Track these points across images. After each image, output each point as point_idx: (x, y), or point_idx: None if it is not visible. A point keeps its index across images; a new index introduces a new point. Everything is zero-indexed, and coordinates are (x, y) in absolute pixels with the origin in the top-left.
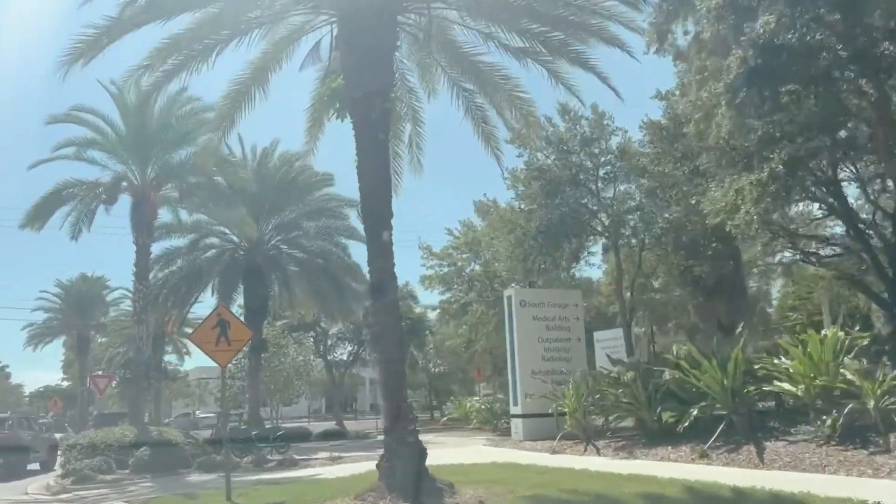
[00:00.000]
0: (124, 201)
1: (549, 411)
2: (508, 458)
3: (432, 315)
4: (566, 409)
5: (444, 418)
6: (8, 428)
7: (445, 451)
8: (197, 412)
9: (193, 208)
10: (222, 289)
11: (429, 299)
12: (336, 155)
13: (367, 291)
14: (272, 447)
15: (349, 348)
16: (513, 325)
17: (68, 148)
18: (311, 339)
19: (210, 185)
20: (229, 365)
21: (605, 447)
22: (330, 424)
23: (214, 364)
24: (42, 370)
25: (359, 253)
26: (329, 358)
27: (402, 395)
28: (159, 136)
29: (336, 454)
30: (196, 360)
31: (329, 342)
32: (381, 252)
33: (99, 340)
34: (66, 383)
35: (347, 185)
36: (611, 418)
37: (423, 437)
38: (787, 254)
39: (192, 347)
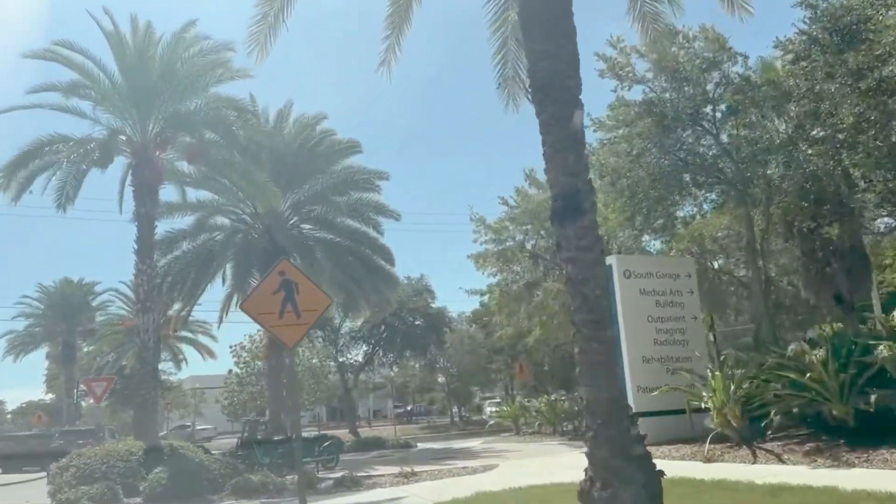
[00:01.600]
0: (118, 167)
1: (669, 408)
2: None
3: (485, 299)
4: (710, 404)
5: (492, 421)
6: None
7: (548, 463)
8: (196, 424)
9: (200, 180)
10: (237, 275)
11: (478, 281)
12: (359, 121)
13: (552, 213)
14: (318, 461)
15: (364, 348)
16: (615, 301)
17: (50, 93)
18: (320, 340)
19: (228, 143)
20: (236, 368)
21: (780, 451)
22: (342, 432)
23: (212, 373)
24: (23, 386)
25: (392, 233)
26: (341, 360)
27: (615, 382)
28: (163, 83)
29: (405, 468)
30: (191, 369)
31: (340, 342)
32: (571, 145)
33: (85, 349)
34: (49, 397)
35: (374, 155)
36: (774, 414)
37: (489, 445)
38: None
39: (190, 353)
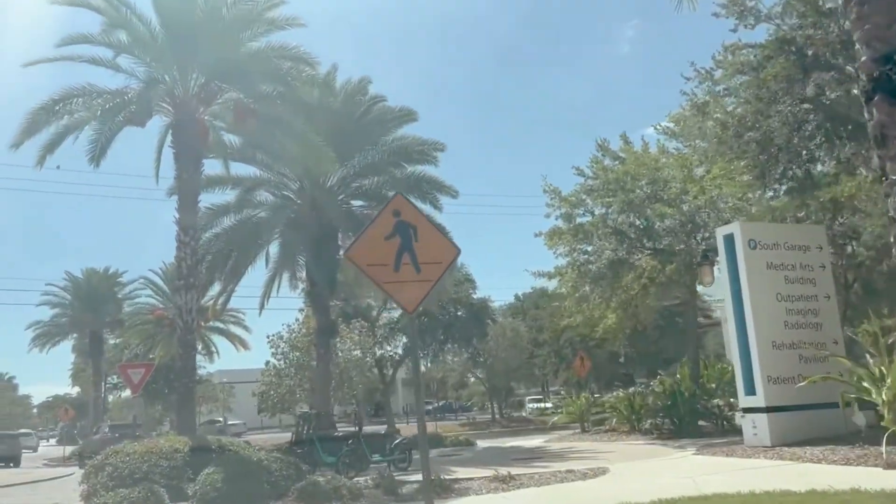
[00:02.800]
0: (153, 132)
1: (809, 402)
2: (846, 480)
3: (551, 283)
4: (881, 398)
5: (555, 418)
6: None
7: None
8: (227, 419)
9: (244, 148)
10: (284, 255)
11: (545, 262)
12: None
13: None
14: (389, 462)
15: (403, 341)
16: (738, 277)
17: (80, 46)
18: (356, 332)
19: (282, 97)
20: (274, 360)
21: None
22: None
23: (240, 367)
24: (49, 382)
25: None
26: (380, 352)
27: None
28: (207, 28)
29: (500, 471)
30: (223, 362)
31: (378, 334)
32: None
33: (112, 342)
34: (76, 391)
35: (431, 125)
36: None
37: (566, 445)
38: None
39: (223, 345)
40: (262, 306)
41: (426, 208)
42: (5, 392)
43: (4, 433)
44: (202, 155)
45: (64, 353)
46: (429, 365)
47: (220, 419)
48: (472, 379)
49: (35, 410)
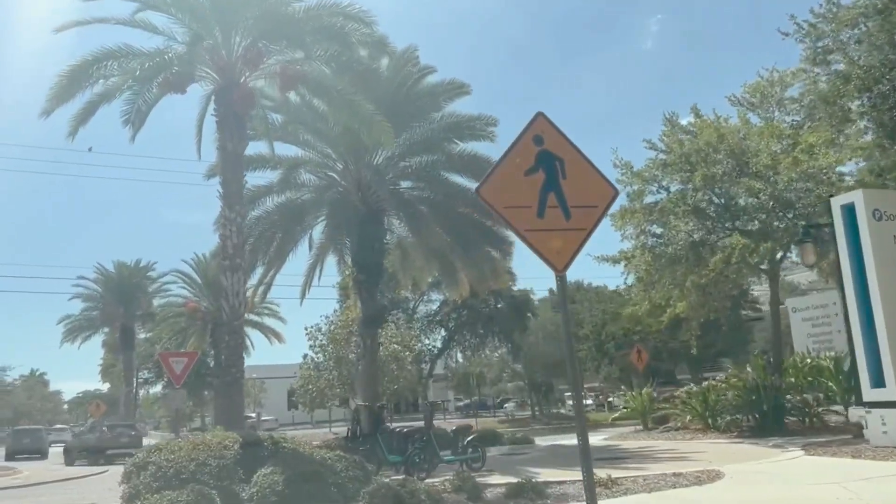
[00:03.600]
0: (192, 103)
1: None
2: None
3: (616, 268)
4: None
5: (616, 414)
6: None
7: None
8: (260, 415)
9: (287, 123)
10: (331, 238)
11: (610, 246)
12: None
13: None
14: (463, 461)
15: (442, 334)
16: (860, 252)
17: (112, 4)
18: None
19: (335, 60)
20: (311, 353)
21: None
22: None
23: (270, 362)
24: (79, 378)
25: None
26: (417, 346)
27: None
28: None
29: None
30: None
31: (416, 327)
32: None
33: (142, 336)
34: (105, 387)
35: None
36: None
37: (640, 442)
38: None
39: (256, 338)
40: (303, 295)
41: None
42: (36, 388)
43: (31, 428)
44: (247, 123)
45: (94, 348)
46: (465, 359)
47: (252, 415)
48: (505, 375)
49: (66, 406)
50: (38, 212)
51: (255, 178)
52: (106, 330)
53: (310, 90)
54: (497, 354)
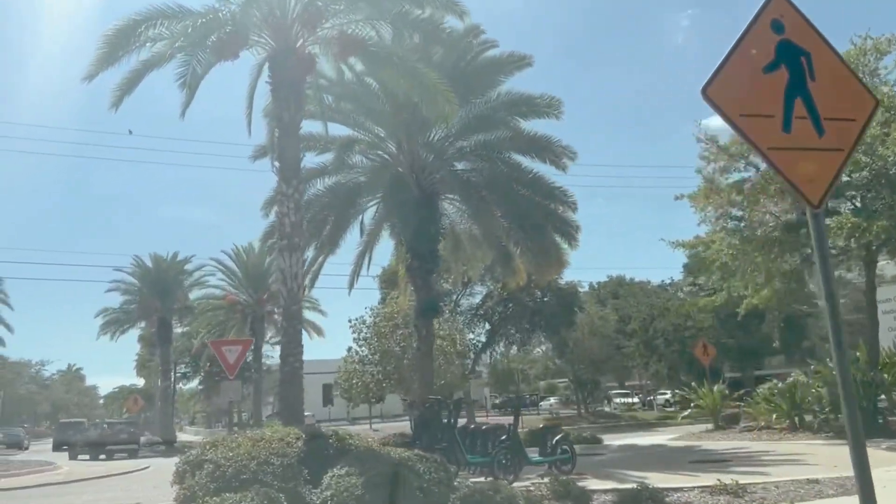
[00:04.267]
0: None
1: None
2: None
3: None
4: None
5: (687, 411)
6: None
7: None
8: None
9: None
10: (385, 220)
11: (684, 229)
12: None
13: None
14: (552, 462)
15: (486, 328)
16: None
17: None
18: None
19: (400, 22)
20: (355, 346)
21: None
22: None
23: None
24: (114, 373)
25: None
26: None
27: None
28: None
29: (721, 479)
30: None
31: (460, 320)
32: None
33: (178, 330)
34: (141, 382)
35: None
36: None
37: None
38: None
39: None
40: (351, 284)
41: (541, 166)
42: (74, 382)
43: (75, 421)
44: (303, 91)
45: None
46: (505, 354)
47: None
48: (550, 370)
49: (101, 401)
50: (76, 201)
51: (305, 160)
52: (142, 325)
53: (368, 58)
54: (540, 350)
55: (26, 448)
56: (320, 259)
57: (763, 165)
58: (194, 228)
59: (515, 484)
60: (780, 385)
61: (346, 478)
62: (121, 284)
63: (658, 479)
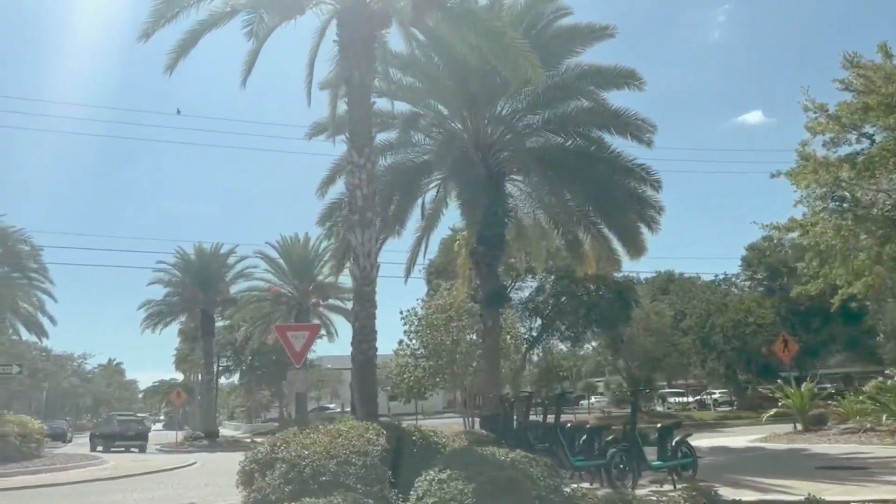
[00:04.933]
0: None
1: None
2: None
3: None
4: None
5: (772, 411)
6: None
7: None
8: (343, 406)
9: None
10: (463, 198)
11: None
12: None
13: None
14: (673, 467)
15: (536, 322)
16: None
17: None
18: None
19: None
20: (407, 339)
21: None
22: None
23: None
24: (152, 368)
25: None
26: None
27: None
28: None
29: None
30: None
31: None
32: None
33: (219, 324)
34: (180, 377)
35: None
36: None
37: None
38: None
39: (341, 324)
40: (408, 272)
41: (629, 144)
42: (114, 376)
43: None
44: (374, 50)
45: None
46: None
47: (332, 405)
48: (607, 368)
49: (140, 395)
50: (116, 190)
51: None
52: (182, 319)
53: (445, 15)
54: (592, 346)
55: (69, 441)
56: (380, 238)
57: (881, 136)
58: (237, 218)
59: (644, 493)
60: (888, 383)
61: (450, 483)
62: (163, 276)
63: (803, 488)
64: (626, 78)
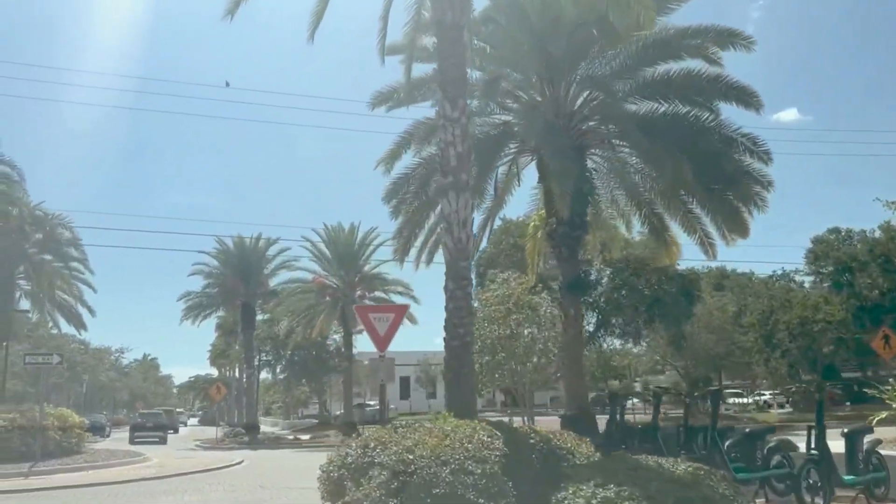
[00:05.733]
0: None
1: None
2: None
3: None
4: None
5: (884, 414)
6: None
7: None
8: (388, 404)
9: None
10: (544, 171)
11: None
12: None
13: None
14: (866, 484)
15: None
16: None
17: None
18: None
19: None
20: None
21: None
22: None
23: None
24: (187, 364)
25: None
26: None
27: None
28: None
29: None
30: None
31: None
32: None
33: (258, 318)
34: (215, 373)
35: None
36: None
37: None
38: None
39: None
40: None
41: (741, 113)
42: (150, 371)
43: (153, 412)
44: None
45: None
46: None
47: (371, 403)
48: (667, 367)
49: (175, 390)
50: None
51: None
52: (219, 314)
53: None
54: (643, 344)
55: (108, 436)
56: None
57: None
58: (281, 205)
59: None
60: None
61: (619, 497)
62: (203, 268)
63: None
64: (732, 38)
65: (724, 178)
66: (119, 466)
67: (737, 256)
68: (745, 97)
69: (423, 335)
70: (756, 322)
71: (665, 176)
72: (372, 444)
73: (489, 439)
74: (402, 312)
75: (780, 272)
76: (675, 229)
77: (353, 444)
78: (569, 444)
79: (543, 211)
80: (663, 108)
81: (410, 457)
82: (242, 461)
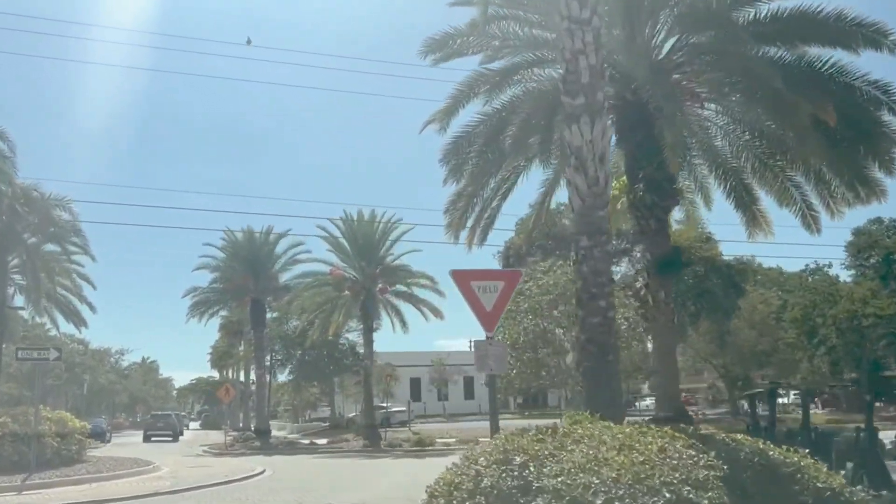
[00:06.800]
0: None
1: None
2: None
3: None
4: None
5: None
6: None
7: None
8: (409, 406)
9: None
10: (626, 131)
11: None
12: None
13: None
14: None
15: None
16: None
17: None
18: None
19: None
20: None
21: None
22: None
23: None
24: (187, 368)
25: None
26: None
27: None
28: None
29: None
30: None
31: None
32: None
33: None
34: (216, 375)
35: None
36: None
37: None
38: None
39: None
40: (528, 235)
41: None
42: (150, 374)
43: (163, 413)
44: None
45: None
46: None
47: (385, 405)
48: (713, 365)
49: (174, 393)
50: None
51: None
52: (223, 314)
53: None
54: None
55: (108, 441)
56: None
57: None
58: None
59: None
60: None
61: None
62: (210, 261)
63: None
64: None
65: (852, 134)
66: (127, 478)
67: (761, 251)
68: (874, 38)
69: (424, 336)
70: (799, 317)
71: (796, 122)
72: (518, 459)
73: (694, 452)
74: (514, 280)
75: (812, 265)
76: (767, 202)
77: (476, 456)
78: (796, 460)
79: (624, 178)
80: (774, 54)
81: (596, 480)
82: (264, 470)
